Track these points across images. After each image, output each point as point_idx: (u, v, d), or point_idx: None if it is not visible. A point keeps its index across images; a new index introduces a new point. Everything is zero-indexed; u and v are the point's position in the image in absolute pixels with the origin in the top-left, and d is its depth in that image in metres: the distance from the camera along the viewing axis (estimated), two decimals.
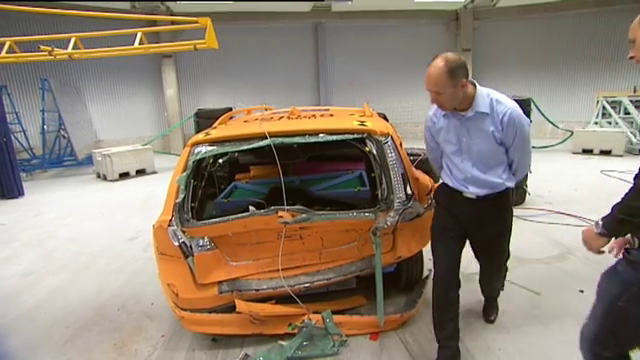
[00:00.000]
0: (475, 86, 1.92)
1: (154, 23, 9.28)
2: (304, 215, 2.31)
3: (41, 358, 2.49)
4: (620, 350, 1.45)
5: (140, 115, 12.30)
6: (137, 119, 12.19)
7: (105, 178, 8.36)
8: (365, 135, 2.45)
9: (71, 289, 3.42)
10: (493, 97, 1.91)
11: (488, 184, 2.00)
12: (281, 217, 2.26)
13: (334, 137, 2.41)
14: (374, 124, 2.59)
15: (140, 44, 6.51)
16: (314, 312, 2.49)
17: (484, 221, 2.09)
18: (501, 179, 2.01)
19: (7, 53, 5.97)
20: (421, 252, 2.72)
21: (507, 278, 2.65)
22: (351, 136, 2.43)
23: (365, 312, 2.61)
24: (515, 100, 1.95)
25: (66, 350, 2.56)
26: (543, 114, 9.61)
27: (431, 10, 12.80)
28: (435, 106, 2.01)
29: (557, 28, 12.03)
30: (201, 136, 2.56)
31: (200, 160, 2.50)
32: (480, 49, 12.74)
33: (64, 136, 10.03)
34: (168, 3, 11.32)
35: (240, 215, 2.31)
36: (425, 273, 2.93)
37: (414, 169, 2.79)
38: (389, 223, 2.37)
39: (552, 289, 3.01)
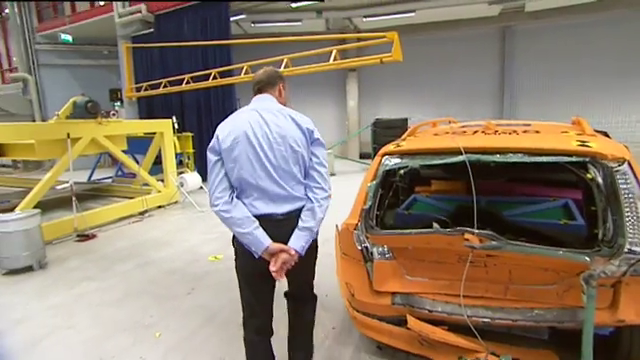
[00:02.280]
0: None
1: (344, 41, 10.30)
2: (495, 242, 2.07)
3: None
4: None
5: (325, 122, 13.91)
6: (322, 126, 13.85)
7: None
8: (588, 159, 2.01)
9: None
10: None
11: None
12: (467, 240, 2.10)
13: (545, 158, 2.07)
14: (601, 145, 2.10)
15: (334, 60, 7.47)
16: (491, 353, 2.21)
17: None
18: None
19: (244, 74, 7.89)
20: None
21: None
22: (568, 158, 2.04)
23: None
24: None
25: None
26: None
27: None
28: None
29: None
30: (392, 147, 2.63)
31: (389, 170, 2.58)
32: None
33: None
34: (355, 21, 12.34)
35: (424, 230, 2.26)
36: None
37: None
38: (609, 272, 1.86)
39: None
